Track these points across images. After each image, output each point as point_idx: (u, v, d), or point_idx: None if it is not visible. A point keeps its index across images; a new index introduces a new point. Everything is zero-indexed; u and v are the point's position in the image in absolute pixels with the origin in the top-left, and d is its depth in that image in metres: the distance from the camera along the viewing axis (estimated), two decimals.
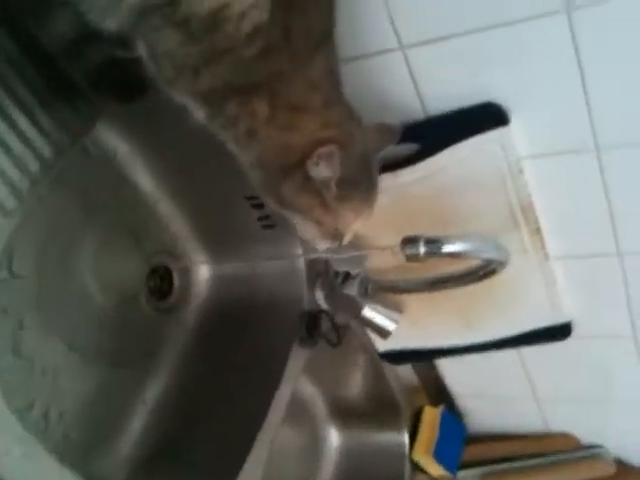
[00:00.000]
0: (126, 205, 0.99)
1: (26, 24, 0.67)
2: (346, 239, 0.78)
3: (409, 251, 0.78)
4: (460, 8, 0.77)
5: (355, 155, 0.71)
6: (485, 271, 0.84)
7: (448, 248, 0.77)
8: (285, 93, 0.65)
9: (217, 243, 1.09)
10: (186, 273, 1.09)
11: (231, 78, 0.63)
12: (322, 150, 0.66)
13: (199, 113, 0.69)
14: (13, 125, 0.69)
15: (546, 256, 0.97)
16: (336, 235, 0.76)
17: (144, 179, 1.01)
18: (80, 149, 0.87)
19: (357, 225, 0.76)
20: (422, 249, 0.77)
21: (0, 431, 0.68)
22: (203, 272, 1.11)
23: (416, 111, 0.88)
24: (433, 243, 0.78)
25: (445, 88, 0.85)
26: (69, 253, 0.91)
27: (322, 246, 0.77)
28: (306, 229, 0.76)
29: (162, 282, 1.05)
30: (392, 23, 0.80)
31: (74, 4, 0.62)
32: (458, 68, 0.82)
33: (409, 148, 0.90)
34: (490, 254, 0.81)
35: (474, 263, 0.87)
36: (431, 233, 0.82)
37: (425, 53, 0.82)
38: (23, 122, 0.70)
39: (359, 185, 0.72)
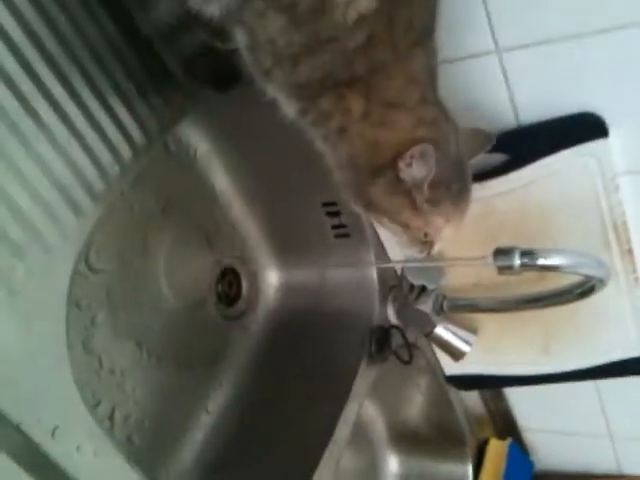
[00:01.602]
0: (201, 205, 0.99)
1: (128, 6, 0.66)
2: (436, 247, 0.74)
3: (502, 262, 0.74)
4: (561, 11, 0.73)
5: (449, 157, 0.68)
6: (583, 289, 0.79)
7: (545, 261, 0.73)
8: (383, 88, 0.63)
9: (288, 250, 1.07)
10: (255, 278, 1.07)
11: (330, 70, 0.62)
12: (416, 149, 0.63)
13: (290, 108, 0.67)
14: (109, 109, 0.69)
15: (637, 281, 0.91)
16: (425, 242, 0.73)
17: (220, 180, 1.00)
18: (162, 145, 0.87)
19: (447, 232, 0.72)
20: (517, 261, 0.73)
21: (73, 425, 0.65)
22: (272, 278, 1.09)
23: (508, 119, 0.85)
24: (529, 255, 0.73)
25: (540, 96, 0.81)
26: (145, 251, 0.90)
27: (410, 253, 0.73)
28: (394, 234, 0.73)
29: (231, 287, 1.04)
30: (490, 24, 0.77)
31: None
32: (556, 75, 0.78)
33: (498, 158, 0.86)
34: (590, 270, 0.76)
35: (569, 281, 0.82)
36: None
37: (522, 57, 0.78)
38: (119, 107, 0.70)
39: (451, 189, 0.69)
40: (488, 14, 0.76)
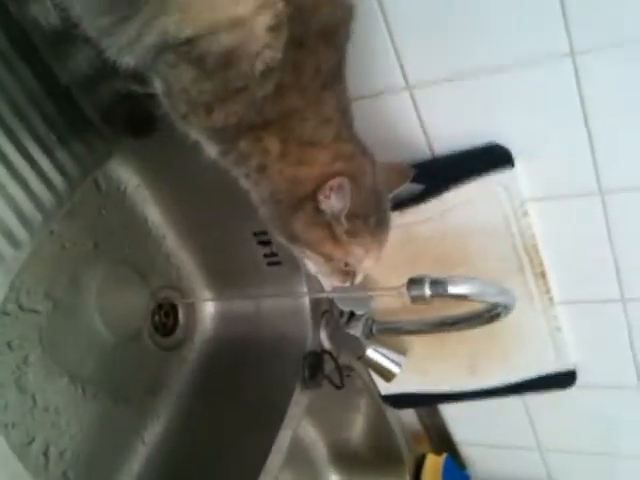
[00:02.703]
0: (134, 239, 1.00)
1: (46, 58, 0.69)
2: (358, 278, 0.78)
3: (414, 292, 0.78)
4: (467, 50, 0.78)
5: (366, 190, 0.71)
6: (490, 314, 0.84)
7: (453, 290, 0.77)
8: (297, 129, 0.67)
9: (223, 279, 1.09)
10: (191, 309, 1.09)
11: (243, 116, 0.65)
12: (334, 182, 0.66)
13: (211, 149, 0.70)
14: (30, 159, 0.71)
15: (551, 301, 0.97)
16: (347, 272, 0.76)
17: (152, 213, 1.02)
18: (92, 183, 0.88)
19: (368, 263, 0.76)
20: (427, 290, 0.77)
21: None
22: (208, 308, 1.11)
23: (423, 151, 0.89)
24: (438, 284, 0.77)
25: (452, 128, 0.86)
26: (76, 287, 0.91)
27: (333, 283, 0.77)
28: (317, 265, 0.77)
29: (167, 318, 1.06)
30: (400, 63, 0.82)
31: (95, 41, 0.63)
32: (465, 109, 0.84)
33: (415, 188, 0.90)
34: (495, 298, 0.81)
35: (480, 306, 0.86)
36: (436, 274, 0.82)
37: (432, 93, 0.83)
38: (40, 157, 0.72)
39: (369, 220, 0.73)
40: (397, 53, 0.81)
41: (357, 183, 0.68)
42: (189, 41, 0.59)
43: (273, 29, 0.59)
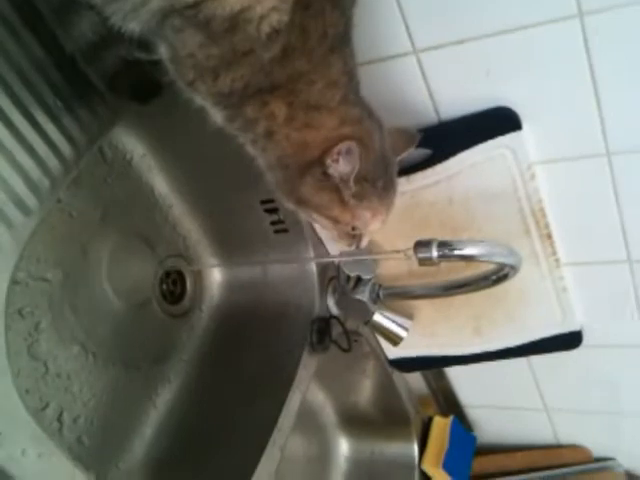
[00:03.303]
0: (141, 209, 1.00)
1: (51, 26, 0.68)
2: (364, 241, 0.78)
3: (422, 254, 0.79)
4: (473, 12, 0.78)
5: (374, 153, 0.71)
6: (497, 276, 0.85)
7: (460, 251, 0.78)
8: (303, 93, 0.66)
9: (230, 247, 1.10)
10: (199, 277, 1.09)
11: (250, 80, 0.64)
12: (342, 145, 0.66)
13: (217, 116, 0.70)
14: (37, 125, 0.71)
15: (557, 262, 0.97)
16: (354, 235, 0.77)
17: (158, 182, 1.02)
18: (97, 152, 0.88)
19: (374, 226, 0.76)
20: (435, 252, 0.78)
21: (16, 430, 0.68)
22: (215, 276, 1.11)
23: (429, 116, 0.89)
24: (446, 246, 0.78)
25: (458, 93, 0.86)
26: (85, 256, 0.92)
27: (340, 246, 0.77)
28: (325, 228, 0.77)
29: (175, 286, 1.06)
30: (406, 27, 0.81)
31: (99, 8, 0.63)
32: (471, 72, 0.83)
33: (422, 153, 0.91)
34: (503, 258, 0.81)
35: (486, 268, 0.87)
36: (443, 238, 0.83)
37: (438, 57, 0.83)
38: (47, 123, 0.71)
39: (377, 184, 0.73)
40: (404, 17, 0.80)
41: (365, 147, 0.68)
42: (195, 4, 0.58)
43: None
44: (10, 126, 0.69)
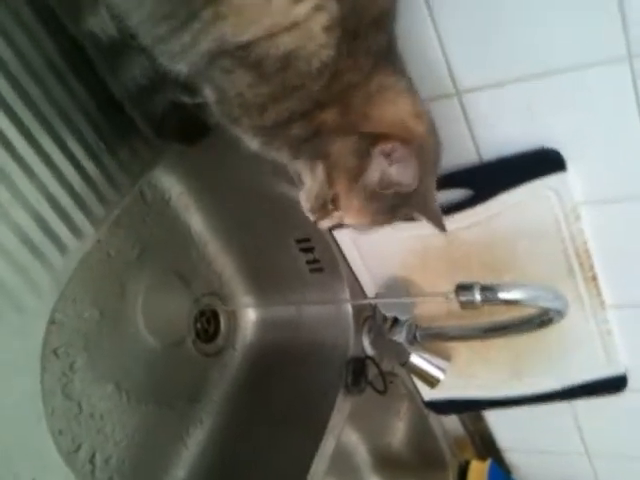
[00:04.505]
0: (177, 246, 1.01)
1: (98, 70, 0.69)
2: (324, 223, 0.71)
3: (464, 298, 0.77)
4: (516, 54, 0.76)
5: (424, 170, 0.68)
6: (542, 320, 0.82)
7: (504, 295, 0.76)
8: (357, 97, 0.65)
9: (264, 286, 1.09)
10: (233, 315, 1.09)
11: (296, 109, 0.64)
12: (403, 149, 0.63)
13: (254, 143, 0.69)
14: (78, 166, 0.71)
15: (602, 304, 0.94)
16: (325, 209, 0.70)
17: (195, 221, 1.02)
18: (137, 192, 0.88)
19: (349, 221, 0.71)
20: (478, 296, 0.76)
21: (49, 475, 0.67)
22: (249, 315, 1.11)
23: (471, 156, 0.87)
24: (489, 290, 0.76)
25: (501, 133, 0.84)
26: (122, 295, 0.92)
27: (304, 208, 0.71)
28: (311, 183, 0.70)
29: (209, 324, 1.06)
30: (448, 68, 0.80)
31: (150, 49, 0.63)
32: (514, 114, 0.82)
33: (463, 193, 0.89)
34: (548, 303, 0.79)
35: (530, 311, 0.84)
36: (483, 279, 0.80)
37: (481, 98, 0.81)
38: (88, 163, 0.72)
39: (388, 201, 0.68)
40: (446, 59, 0.79)
41: (421, 161, 0.66)
42: (247, 45, 0.59)
43: (328, 29, 0.59)
44: (52, 167, 0.69)
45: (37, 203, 0.67)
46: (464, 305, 0.78)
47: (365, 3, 0.62)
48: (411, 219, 0.73)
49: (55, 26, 0.68)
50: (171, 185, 0.97)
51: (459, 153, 0.87)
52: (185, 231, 1.01)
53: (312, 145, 0.66)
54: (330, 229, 0.94)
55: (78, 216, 0.71)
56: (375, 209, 0.68)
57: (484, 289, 0.76)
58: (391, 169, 0.64)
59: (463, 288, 0.78)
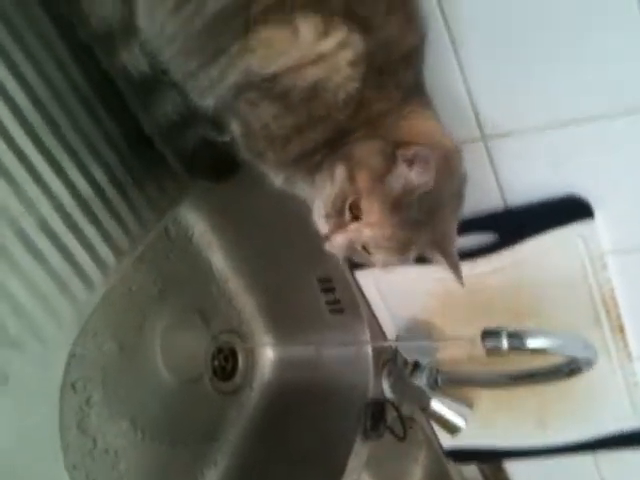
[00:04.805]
0: (198, 283, 1.00)
1: (132, 107, 0.70)
2: (336, 238, 0.65)
3: (490, 344, 0.76)
4: (543, 101, 0.77)
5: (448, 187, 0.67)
6: (570, 369, 0.80)
7: (532, 343, 0.74)
8: (382, 127, 0.65)
9: (284, 325, 1.08)
10: (251, 354, 1.07)
11: (320, 139, 0.65)
12: (420, 149, 0.61)
13: (278, 179, 0.70)
14: (106, 200, 0.72)
15: (629, 356, 0.92)
16: (337, 219, 0.65)
17: (217, 258, 1.02)
18: (162, 228, 0.89)
19: (367, 233, 0.65)
20: (505, 343, 0.74)
21: None
22: (268, 353, 1.09)
23: (496, 201, 0.87)
24: (516, 337, 0.74)
25: (526, 180, 0.84)
26: (141, 330, 0.91)
27: (319, 221, 0.67)
28: (326, 188, 0.66)
29: (227, 362, 1.05)
30: (475, 114, 0.80)
31: (181, 84, 0.65)
32: (540, 160, 0.81)
33: (488, 238, 0.88)
34: (577, 352, 0.77)
35: (557, 360, 0.83)
36: (507, 325, 0.79)
37: (508, 144, 0.81)
38: (116, 198, 0.72)
39: (412, 215, 0.64)
40: (473, 104, 0.80)
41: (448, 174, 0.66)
42: (273, 77, 0.60)
43: (353, 64, 0.61)
44: (79, 198, 0.70)
45: (63, 234, 0.68)
46: (490, 351, 0.76)
47: (394, 40, 0.63)
48: (428, 260, 0.71)
49: (87, 59, 0.70)
50: (195, 222, 0.97)
51: (484, 197, 0.87)
52: (207, 268, 1.01)
53: (334, 154, 0.65)
54: (351, 268, 0.93)
55: (103, 249, 0.72)
56: (396, 221, 0.64)
57: (511, 335, 0.74)
58: (412, 173, 0.61)
59: (489, 334, 0.76)
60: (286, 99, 0.61)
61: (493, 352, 0.76)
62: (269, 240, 0.98)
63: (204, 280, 1.01)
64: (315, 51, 0.59)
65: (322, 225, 0.66)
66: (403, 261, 0.69)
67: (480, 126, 0.81)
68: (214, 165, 0.76)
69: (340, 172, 0.64)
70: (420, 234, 0.66)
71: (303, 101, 0.61)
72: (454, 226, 0.71)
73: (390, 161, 0.62)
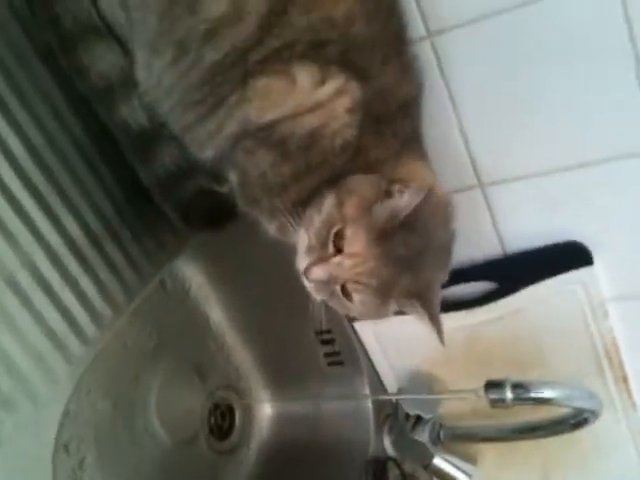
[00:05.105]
0: (194, 337, 0.99)
1: (131, 160, 0.70)
2: (317, 271, 0.63)
3: (494, 396, 0.74)
4: (540, 148, 0.77)
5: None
6: (576, 421, 0.78)
7: (537, 394, 0.73)
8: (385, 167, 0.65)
9: (282, 379, 1.06)
10: (248, 410, 1.05)
11: (317, 184, 0.64)
12: (414, 185, 0.60)
13: (271, 227, 0.70)
14: (104, 254, 0.71)
15: (633, 405, 0.90)
16: (319, 251, 0.63)
17: (214, 310, 1.01)
18: (158, 281, 0.87)
19: (336, 273, 0.63)
20: (509, 394, 0.72)
21: None
22: (266, 409, 1.07)
23: (494, 248, 0.87)
24: (521, 388, 0.73)
25: (525, 226, 0.84)
26: (136, 387, 0.89)
27: (299, 259, 0.66)
28: (308, 230, 0.65)
29: (223, 420, 1.02)
30: (471, 161, 0.81)
31: (180, 137, 0.65)
32: (538, 206, 0.82)
33: (486, 286, 0.88)
34: (583, 403, 0.75)
35: (561, 411, 0.81)
36: (509, 376, 0.77)
37: (505, 191, 0.82)
38: (114, 251, 0.71)
39: (397, 253, 0.62)
40: (469, 151, 0.80)
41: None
42: (270, 125, 0.60)
43: (351, 111, 0.61)
44: (75, 252, 0.69)
45: (59, 287, 0.67)
46: (494, 404, 0.74)
47: (390, 88, 0.64)
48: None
49: (85, 111, 0.70)
50: (192, 274, 0.97)
51: (483, 245, 0.86)
52: (204, 321, 1.00)
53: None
54: (349, 318, 0.92)
55: (99, 302, 0.71)
56: (380, 253, 0.61)
57: (515, 387, 0.73)
58: (401, 198, 0.60)
59: (493, 385, 0.74)
60: (283, 147, 0.62)
61: (497, 404, 0.74)
62: (266, 291, 0.97)
63: (201, 334, 0.99)
64: (312, 99, 0.60)
65: (302, 259, 0.65)
66: (381, 312, 0.66)
67: (477, 174, 0.81)
68: (210, 215, 0.75)
69: (329, 200, 0.63)
70: (402, 277, 0.63)
71: (300, 149, 0.62)
72: (438, 281, 0.68)
73: (382, 194, 0.62)
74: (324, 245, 0.63)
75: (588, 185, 0.78)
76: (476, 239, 0.86)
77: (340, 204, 0.62)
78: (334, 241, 0.62)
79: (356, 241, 0.61)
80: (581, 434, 0.88)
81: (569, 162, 0.77)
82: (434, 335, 0.66)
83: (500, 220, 0.85)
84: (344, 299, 0.64)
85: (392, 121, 0.65)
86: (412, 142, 0.68)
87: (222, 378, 1.02)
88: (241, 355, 1.05)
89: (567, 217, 0.81)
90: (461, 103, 0.77)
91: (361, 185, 0.63)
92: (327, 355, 0.99)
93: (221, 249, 0.92)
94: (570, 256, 0.83)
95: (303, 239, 0.64)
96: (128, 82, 0.64)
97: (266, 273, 0.91)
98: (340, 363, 0.99)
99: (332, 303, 0.66)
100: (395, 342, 0.96)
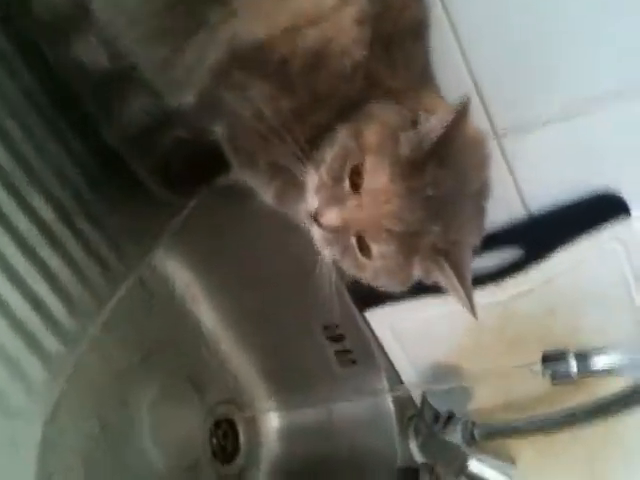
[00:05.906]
0: (186, 346, 0.89)
1: (96, 115, 0.61)
2: (329, 215, 0.53)
3: (556, 369, 0.64)
4: (563, 84, 0.69)
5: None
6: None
7: (608, 364, 0.63)
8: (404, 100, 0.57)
9: (287, 385, 0.96)
10: (253, 425, 0.95)
11: (327, 119, 0.55)
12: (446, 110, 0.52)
13: (269, 193, 0.61)
14: (67, 258, 0.64)
15: None
16: (333, 189, 0.54)
17: (204, 314, 0.91)
18: (136, 280, 0.77)
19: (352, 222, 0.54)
20: (573, 366, 0.62)
21: None
22: (272, 423, 0.97)
23: (516, 209, 0.79)
24: (585, 358, 0.63)
25: (549, 180, 0.76)
26: (124, 406, 0.79)
27: (308, 200, 0.56)
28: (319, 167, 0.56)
29: (226, 439, 0.92)
30: (485, 108, 0.73)
31: (152, 81, 0.57)
32: (563, 156, 0.73)
33: (512, 254, 0.79)
34: None
35: (612, 387, 0.71)
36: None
37: (524, 141, 0.74)
38: (77, 253, 0.65)
39: (424, 194, 0.53)
40: (480, 96, 0.72)
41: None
42: (265, 45, 0.52)
43: (359, 22, 0.54)
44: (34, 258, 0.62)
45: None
46: (557, 380, 0.66)
47: (397, 6, 0.56)
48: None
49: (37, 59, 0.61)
50: (174, 270, 0.87)
51: (503, 206, 0.78)
52: (194, 326, 0.90)
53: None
54: (360, 308, 0.82)
55: (65, 315, 0.63)
56: (406, 191, 0.52)
57: (579, 357, 0.63)
58: (429, 123, 0.52)
59: (551, 358, 0.65)
60: (281, 73, 0.53)
61: (561, 380, 0.66)
62: (262, 289, 0.88)
63: (194, 342, 0.90)
64: (314, 8, 0.52)
65: (311, 199, 0.55)
66: (402, 277, 0.57)
67: (492, 123, 0.73)
68: (193, 168, 0.65)
69: (344, 131, 0.54)
70: (431, 226, 0.54)
71: (303, 74, 0.53)
72: (470, 244, 0.59)
73: (408, 124, 0.53)
74: (338, 181, 0.53)
75: (617, 122, 0.69)
76: (495, 200, 0.77)
77: (358, 134, 0.53)
78: (351, 178, 0.53)
79: (378, 175, 0.52)
80: (628, 422, 0.78)
81: (593, 96, 0.69)
82: (460, 316, 0.56)
83: (521, 175, 0.76)
84: (360, 254, 0.54)
85: (401, 45, 0.57)
86: (427, 78, 0.61)
87: (221, 390, 0.92)
88: (240, 362, 0.94)
89: (596, 164, 0.73)
90: (467, 42, 0.69)
91: (383, 111, 0.54)
92: (337, 354, 0.90)
93: (205, 241, 0.83)
94: (604, 209, 0.74)
95: (313, 178, 0.54)
96: (80, 12, 0.55)
97: (262, 262, 0.83)
98: (353, 362, 0.89)
99: (344, 263, 0.56)
100: (415, 334, 0.87)
